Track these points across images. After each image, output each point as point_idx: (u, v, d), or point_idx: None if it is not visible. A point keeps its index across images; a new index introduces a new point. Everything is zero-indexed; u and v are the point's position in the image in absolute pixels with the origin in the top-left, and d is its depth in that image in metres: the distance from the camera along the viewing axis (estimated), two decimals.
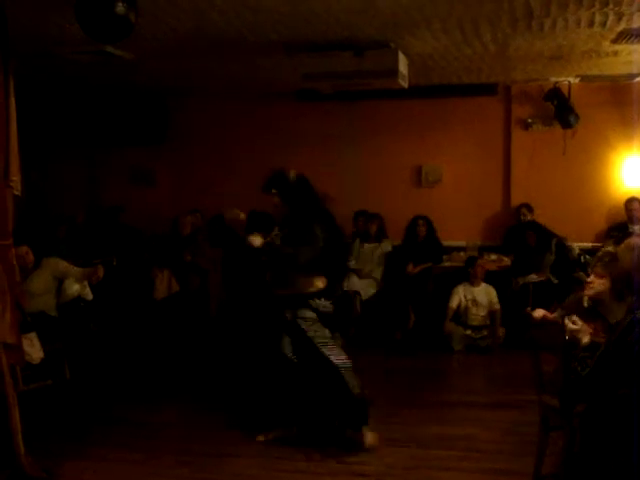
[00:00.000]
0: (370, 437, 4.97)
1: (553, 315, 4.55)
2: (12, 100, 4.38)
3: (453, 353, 8.02)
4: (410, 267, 8.67)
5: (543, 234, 8.63)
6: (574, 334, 4.07)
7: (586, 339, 4.03)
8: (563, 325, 4.07)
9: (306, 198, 5.08)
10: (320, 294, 5.04)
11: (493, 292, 8.21)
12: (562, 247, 8.47)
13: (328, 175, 9.69)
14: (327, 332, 5.03)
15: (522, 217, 8.87)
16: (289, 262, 4.92)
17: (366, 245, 8.95)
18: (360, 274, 8.78)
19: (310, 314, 4.98)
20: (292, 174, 5.09)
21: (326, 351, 4.95)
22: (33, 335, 5.68)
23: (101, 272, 6.49)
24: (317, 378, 5.05)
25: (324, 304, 5.03)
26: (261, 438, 5.13)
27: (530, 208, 8.88)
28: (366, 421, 5.00)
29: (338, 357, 4.98)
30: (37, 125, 8.98)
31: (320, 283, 5.03)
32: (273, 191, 5.04)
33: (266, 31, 6.19)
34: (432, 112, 9.41)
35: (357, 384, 4.98)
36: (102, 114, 9.68)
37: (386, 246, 8.97)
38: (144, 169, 10.11)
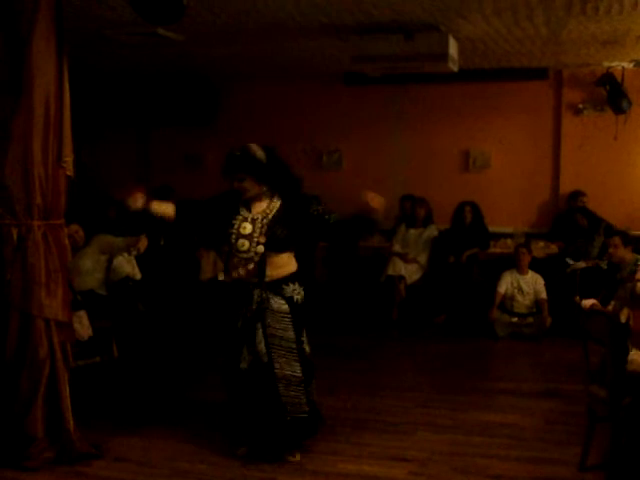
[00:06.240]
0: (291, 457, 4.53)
1: (609, 308, 4.51)
2: (66, 82, 4.45)
3: (497, 340, 7.96)
4: (451, 259, 8.63)
5: (592, 219, 8.54)
6: None
7: None
8: (617, 317, 4.03)
9: (283, 171, 4.51)
10: (295, 277, 4.53)
11: (540, 281, 8.10)
12: (611, 231, 8.34)
13: (375, 159, 9.73)
14: (292, 334, 4.46)
15: (579, 203, 8.75)
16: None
17: (412, 230, 8.92)
18: (405, 259, 8.76)
19: (284, 306, 4.45)
20: (259, 151, 4.42)
21: (276, 357, 4.42)
22: (82, 313, 5.80)
23: (142, 244, 6.41)
24: (259, 388, 4.49)
25: (299, 290, 4.52)
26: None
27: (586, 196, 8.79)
28: (295, 446, 4.54)
29: (286, 367, 4.45)
30: (88, 107, 9.11)
31: (294, 263, 4.55)
32: (240, 176, 4.44)
33: (316, 14, 6.17)
34: (481, 96, 9.31)
35: (298, 401, 4.46)
36: (153, 96, 9.76)
37: (432, 231, 8.93)
38: (193, 151, 10.20)
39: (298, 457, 4.53)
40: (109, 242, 6.56)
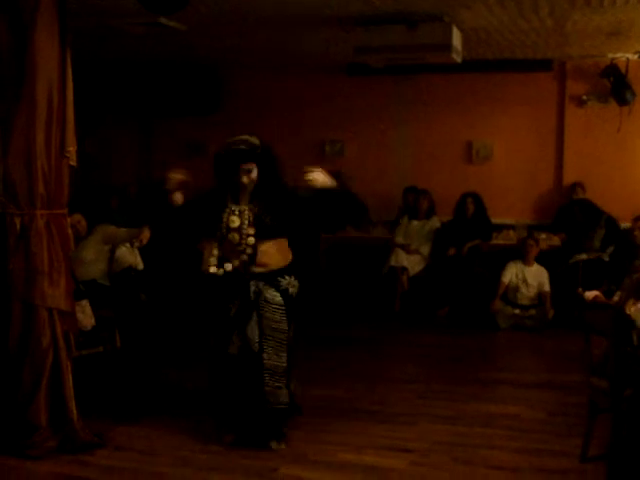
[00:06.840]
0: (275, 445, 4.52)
1: (614, 299, 4.51)
2: (69, 72, 4.45)
3: (499, 331, 7.97)
4: (451, 251, 8.62)
5: (593, 211, 8.53)
6: None
7: None
8: (622, 309, 4.01)
9: (277, 167, 4.57)
10: (291, 270, 4.56)
11: (545, 274, 8.09)
12: (612, 223, 8.35)
13: (378, 150, 9.72)
14: (285, 325, 4.48)
15: (574, 195, 8.76)
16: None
17: (414, 221, 8.92)
18: (408, 250, 8.76)
19: (278, 298, 4.48)
20: (253, 139, 4.50)
21: (266, 347, 4.43)
22: (85, 302, 5.80)
23: (145, 236, 6.41)
24: (245, 375, 4.50)
25: (294, 283, 4.55)
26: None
27: (583, 187, 8.76)
28: (277, 435, 4.52)
29: (274, 358, 4.46)
30: (91, 96, 9.10)
31: (289, 254, 4.60)
32: (250, 166, 4.45)
33: (319, 5, 6.16)
34: (484, 87, 9.29)
35: (280, 392, 4.47)
36: (156, 85, 9.77)
37: (434, 223, 8.93)
38: (196, 141, 10.19)
39: (283, 445, 4.53)
40: (112, 232, 6.56)
